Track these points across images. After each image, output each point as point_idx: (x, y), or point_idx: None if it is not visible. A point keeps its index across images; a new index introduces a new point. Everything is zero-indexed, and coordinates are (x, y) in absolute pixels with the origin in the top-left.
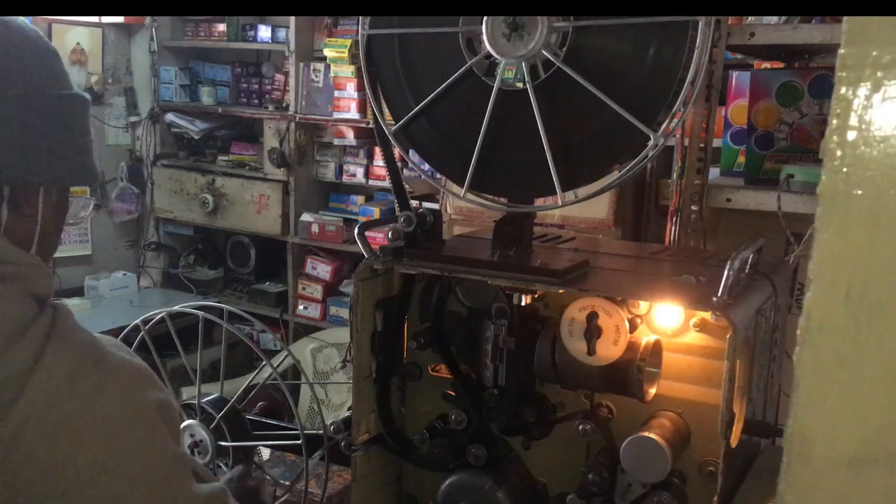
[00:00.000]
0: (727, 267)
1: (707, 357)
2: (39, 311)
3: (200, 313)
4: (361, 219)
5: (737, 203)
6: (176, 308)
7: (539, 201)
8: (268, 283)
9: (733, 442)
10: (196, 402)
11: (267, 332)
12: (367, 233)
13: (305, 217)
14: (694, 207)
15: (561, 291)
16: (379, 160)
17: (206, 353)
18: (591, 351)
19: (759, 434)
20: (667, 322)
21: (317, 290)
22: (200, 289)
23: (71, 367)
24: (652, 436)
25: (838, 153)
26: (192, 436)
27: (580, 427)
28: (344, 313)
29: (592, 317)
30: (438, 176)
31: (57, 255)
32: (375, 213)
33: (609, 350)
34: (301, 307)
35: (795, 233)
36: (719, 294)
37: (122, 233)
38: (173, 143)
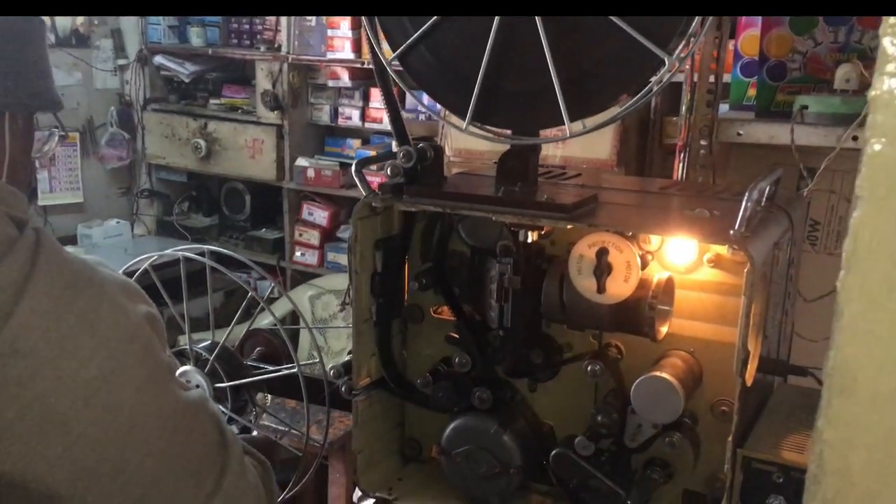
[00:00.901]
0: (745, 198)
1: (721, 294)
2: (20, 234)
3: (181, 254)
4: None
5: (748, 137)
6: (168, 252)
7: (545, 134)
8: (264, 229)
9: (748, 380)
10: (188, 347)
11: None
12: (365, 172)
13: (301, 162)
14: (703, 142)
15: (569, 227)
16: (375, 102)
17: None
18: (600, 289)
19: (774, 372)
20: (679, 258)
21: (314, 237)
22: (195, 236)
23: (67, 282)
24: (663, 375)
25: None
26: (187, 381)
27: (588, 368)
28: (342, 260)
29: (602, 253)
30: (438, 108)
31: (48, 202)
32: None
33: (619, 288)
34: (298, 254)
35: (809, 167)
36: (736, 227)
37: (114, 180)
38: (163, 86)
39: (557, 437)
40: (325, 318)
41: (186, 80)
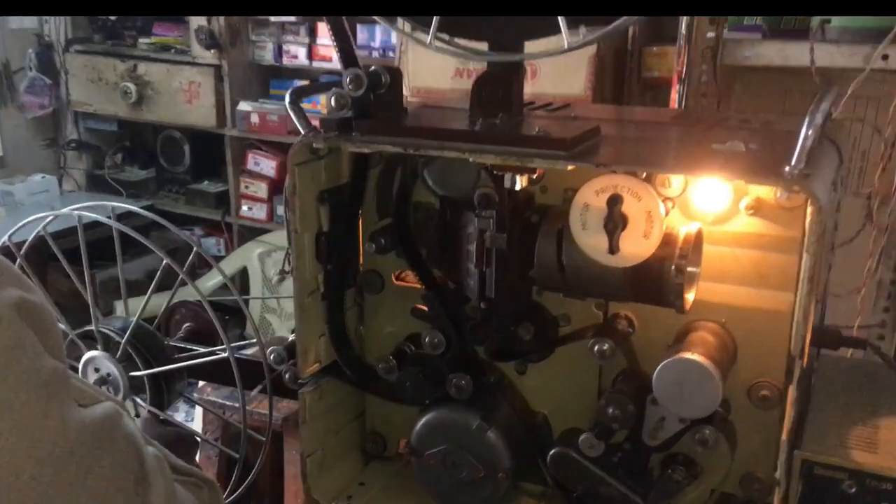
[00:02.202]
0: (804, 124)
1: (761, 249)
2: None
3: (77, 213)
4: (307, 105)
5: (758, 58)
6: (63, 211)
7: (531, 48)
8: (206, 182)
9: (804, 361)
10: (94, 328)
11: (211, 238)
12: (304, 105)
13: (243, 106)
14: (705, 67)
15: (570, 168)
16: (323, 38)
17: (140, 263)
18: (613, 248)
19: (823, 345)
20: (709, 204)
21: (261, 189)
22: (131, 191)
23: None
24: (695, 358)
25: None
26: (96, 370)
27: (595, 347)
28: None
29: (615, 201)
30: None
31: None
32: (322, 99)
33: (638, 246)
34: (245, 208)
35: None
36: (793, 161)
37: (37, 130)
38: (87, 25)
39: (553, 428)
40: (278, 277)
41: (112, 18)
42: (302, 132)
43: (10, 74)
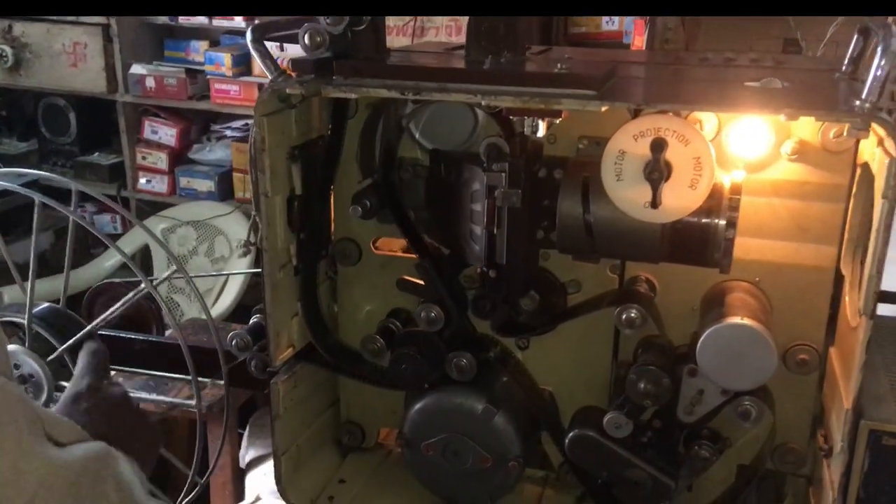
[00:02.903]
0: (878, 54)
1: (802, 198)
2: None
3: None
4: (209, 68)
5: None
6: None
7: None
8: (97, 153)
9: (854, 319)
10: (26, 318)
11: (105, 215)
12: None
13: (136, 69)
14: None
15: (604, 109)
16: None
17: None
18: (655, 201)
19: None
20: (748, 150)
21: (161, 159)
22: (10, 165)
23: None
24: (749, 323)
25: None
26: (15, 366)
27: (623, 315)
28: (197, 185)
29: (659, 147)
30: None
31: None
32: (226, 60)
33: (683, 197)
34: (143, 181)
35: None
36: (865, 94)
37: None
38: None
39: (560, 406)
40: (183, 256)
41: None
42: (269, 76)
43: None
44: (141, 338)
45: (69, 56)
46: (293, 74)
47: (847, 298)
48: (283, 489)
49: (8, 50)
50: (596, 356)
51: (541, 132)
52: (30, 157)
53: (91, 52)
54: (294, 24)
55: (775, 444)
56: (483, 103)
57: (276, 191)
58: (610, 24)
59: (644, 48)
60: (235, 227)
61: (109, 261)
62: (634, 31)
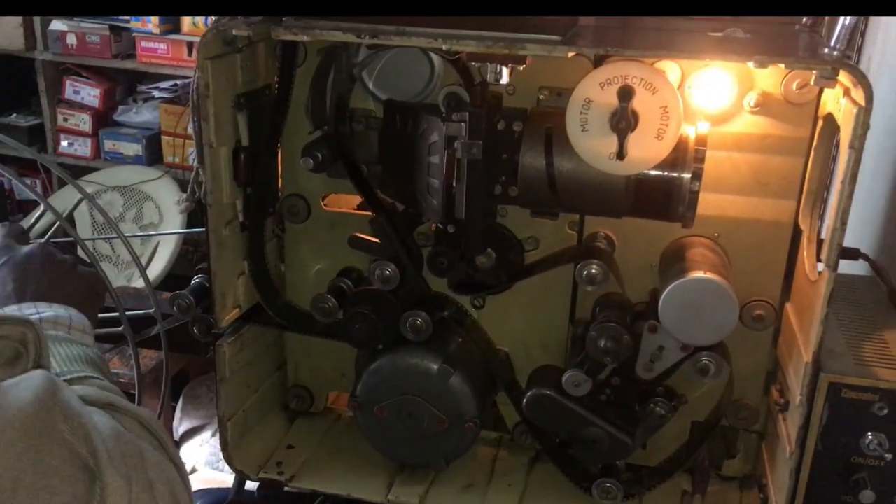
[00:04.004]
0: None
1: (763, 152)
2: None
3: None
4: (135, 24)
5: None
6: None
7: None
8: (14, 115)
9: (812, 273)
10: None
11: (27, 179)
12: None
13: (57, 25)
14: None
15: (570, 56)
16: None
17: None
18: (622, 152)
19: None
20: (711, 101)
21: (84, 121)
22: None
23: None
24: (712, 277)
25: None
26: None
27: (584, 272)
28: (124, 149)
29: (627, 94)
30: None
31: None
32: (153, 19)
33: (649, 148)
34: (65, 143)
35: None
36: (833, 42)
37: None
38: None
39: (517, 366)
40: (113, 222)
41: None
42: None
43: None
44: None
45: None
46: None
47: (805, 253)
48: (228, 456)
49: None
50: (553, 315)
51: (505, 79)
52: None
53: None
54: None
55: (726, 401)
56: (444, 48)
57: (220, 141)
58: None
59: None
60: (164, 192)
61: (36, 224)
62: None
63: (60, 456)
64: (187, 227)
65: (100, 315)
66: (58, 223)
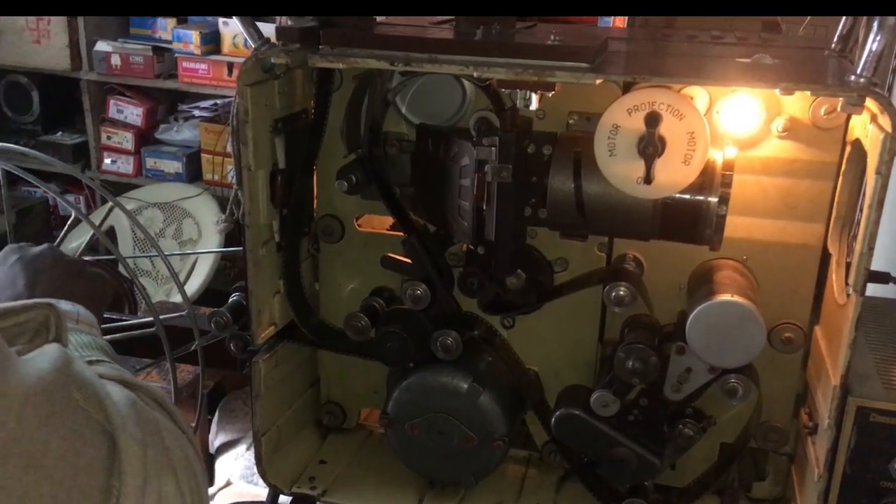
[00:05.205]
0: (874, 28)
1: (791, 176)
2: None
3: None
4: (177, 45)
5: None
6: None
7: None
8: (60, 133)
9: (841, 297)
10: None
11: (70, 196)
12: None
13: (102, 46)
14: None
15: (598, 83)
16: None
17: None
18: (649, 177)
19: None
20: (739, 126)
21: (126, 140)
22: None
23: None
24: (739, 300)
25: None
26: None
27: (612, 294)
28: (164, 166)
29: (654, 121)
30: None
31: None
32: (194, 38)
33: (676, 173)
34: (108, 161)
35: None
36: (860, 70)
37: None
38: None
39: (546, 387)
40: (152, 238)
41: None
42: (253, 45)
43: None
44: (114, 317)
45: (32, 32)
46: (279, 43)
47: (834, 276)
48: (263, 470)
49: None
50: (582, 335)
51: (534, 105)
52: None
53: (55, 28)
54: None
55: (756, 423)
56: (475, 75)
57: (258, 165)
58: None
59: (625, 26)
60: (204, 209)
61: (74, 242)
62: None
63: (81, 420)
64: (226, 244)
65: (138, 331)
66: (94, 236)
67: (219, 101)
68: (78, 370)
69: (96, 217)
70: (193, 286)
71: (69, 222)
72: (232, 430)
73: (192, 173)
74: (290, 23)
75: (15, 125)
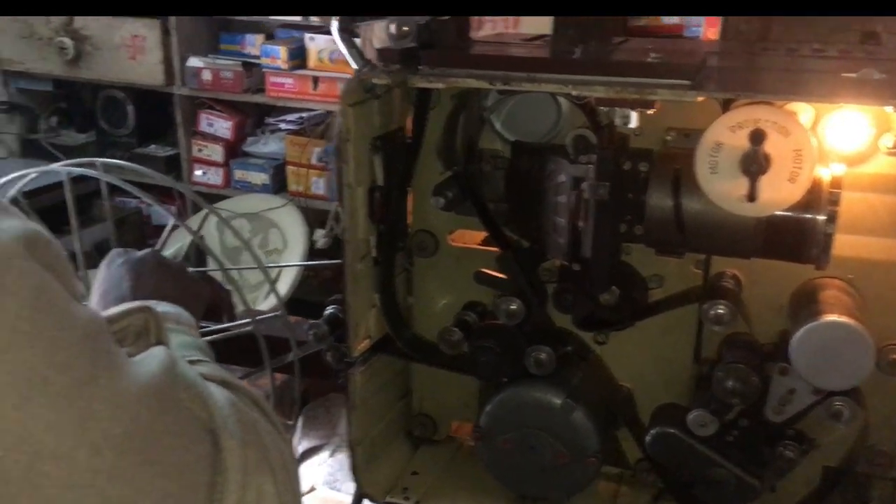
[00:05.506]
0: None
1: None
2: None
3: (66, 170)
4: (265, 60)
5: None
6: (53, 167)
7: None
8: (153, 146)
9: None
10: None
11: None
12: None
13: (193, 62)
14: None
15: (700, 100)
16: None
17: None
18: (753, 194)
19: None
20: (846, 143)
21: (216, 152)
22: (69, 156)
23: None
24: (847, 321)
25: None
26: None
27: (712, 312)
28: (252, 178)
29: (758, 138)
30: None
31: None
32: (282, 53)
33: (781, 191)
34: (198, 173)
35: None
36: None
37: None
38: None
39: (640, 404)
40: (237, 248)
41: None
42: (355, 67)
43: None
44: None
45: (128, 49)
46: (380, 64)
47: None
48: (358, 479)
49: (69, 43)
50: (676, 353)
51: (633, 123)
52: (88, 148)
53: (149, 44)
54: (378, 14)
55: (860, 446)
56: (573, 93)
57: (358, 182)
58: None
59: (718, 38)
60: (288, 219)
61: (168, 250)
62: (706, 23)
63: (187, 418)
64: (308, 254)
65: (227, 334)
66: (191, 243)
67: (304, 115)
68: (183, 371)
69: (192, 225)
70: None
71: (167, 229)
72: (315, 436)
73: (278, 184)
74: (391, 45)
75: (111, 138)
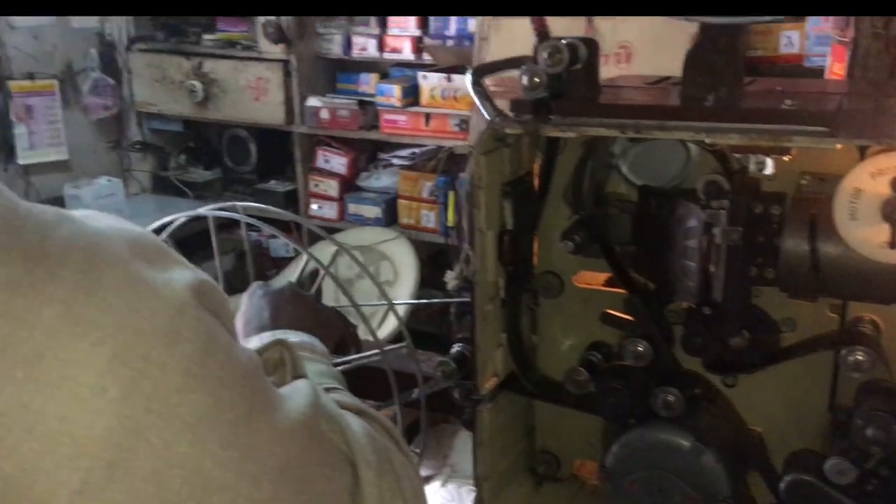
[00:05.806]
0: None
1: None
2: None
3: (211, 213)
4: (380, 99)
5: None
6: (200, 211)
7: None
8: (273, 181)
9: None
10: None
11: (281, 239)
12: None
13: (312, 102)
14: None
15: (839, 147)
16: (393, 28)
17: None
18: (894, 242)
19: None
20: None
21: (331, 187)
22: (196, 192)
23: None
24: None
25: None
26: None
27: (851, 358)
28: (365, 212)
29: None
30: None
31: (29, 161)
32: (395, 91)
33: None
34: (315, 207)
35: None
36: None
37: (101, 133)
38: (148, 22)
39: (770, 448)
40: (350, 279)
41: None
42: (488, 117)
43: (72, 76)
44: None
45: (252, 90)
46: (513, 114)
47: None
48: None
49: (199, 86)
50: (810, 398)
51: (769, 170)
52: (214, 184)
53: (272, 86)
54: (510, 64)
55: None
56: (707, 141)
57: (489, 226)
58: (789, 46)
59: (844, 76)
60: (400, 252)
61: (283, 281)
62: (833, 59)
63: (329, 450)
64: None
65: (356, 363)
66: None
67: (416, 150)
68: (324, 403)
69: (299, 262)
70: (389, 327)
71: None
72: (427, 465)
73: (390, 218)
74: (523, 95)
75: (235, 174)
